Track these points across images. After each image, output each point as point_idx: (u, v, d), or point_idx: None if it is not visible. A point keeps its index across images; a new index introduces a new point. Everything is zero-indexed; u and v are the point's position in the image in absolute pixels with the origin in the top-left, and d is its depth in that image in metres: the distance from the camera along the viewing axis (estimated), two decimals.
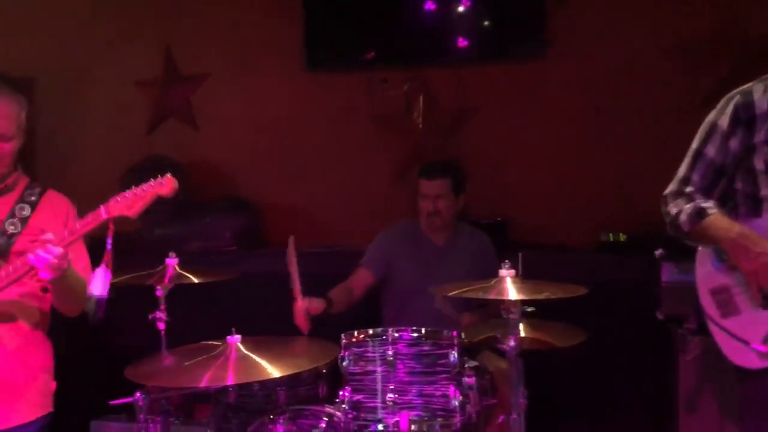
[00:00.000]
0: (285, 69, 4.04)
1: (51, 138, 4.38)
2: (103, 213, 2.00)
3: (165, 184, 2.05)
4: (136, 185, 2.05)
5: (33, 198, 2.24)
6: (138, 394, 2.25)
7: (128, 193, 2.03)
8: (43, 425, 2.25)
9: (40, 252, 1.96)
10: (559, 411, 3.25)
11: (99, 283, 2.00)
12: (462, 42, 3.77)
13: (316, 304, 2.75)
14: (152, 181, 2.06)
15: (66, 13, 4.34)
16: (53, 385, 2.32)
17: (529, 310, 2.28)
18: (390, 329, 2.14)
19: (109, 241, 2.02)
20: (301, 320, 2.69)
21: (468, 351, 2.40)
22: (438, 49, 3.83)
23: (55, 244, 1.98)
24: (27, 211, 2.21)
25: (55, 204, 2.28)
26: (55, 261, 1.97)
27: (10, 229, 2.16)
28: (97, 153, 4.26)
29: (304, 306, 2.69)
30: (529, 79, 3.78)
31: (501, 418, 2.21)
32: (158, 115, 4.24)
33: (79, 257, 2.25)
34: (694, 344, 2.72)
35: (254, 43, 4.09)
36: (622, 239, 3.49)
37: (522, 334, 2.32)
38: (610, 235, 3.51)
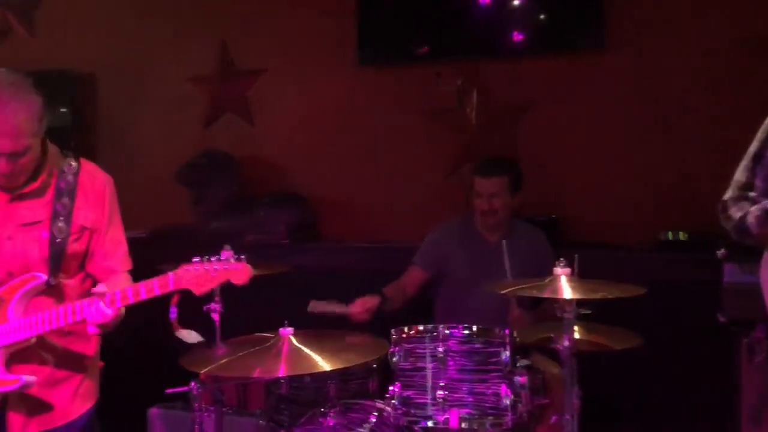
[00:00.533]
0: (338, 64, 4.05)
1: (111, 133, 4.52)
2: (171, 284, 1.88)
3: (240, 272, 1.88)
4: (209, 260, 1.90)
5: (69, 185, 2.09)
6: (193, 384, 2.30)
7: (200, 266, 1.88)
8: (96, 410, 2.27)
9: (93, 310, 1.93)
10: (614, 415, 3.18)
11: (188, 338, 2.07)
12: (517, 35, 3.72)
13: (371, 302, 2.76)
14: (227, 263, 1.90)
15: (126, 11, 4.45)
16: (101, 364, 2.30)
17: (585, 312, 2.24)
18: (441, 326, 2.13)
19: (173, 310, 2.03)
20: (360, 317, 2.73)
21: (520, 350, 2.37)
22: (492, 43, 3.77)
23: (106, 304, 1.93)
24: (68, 207, 2.08)
25: (92, 188, 2.16)
26: (104, 322, 1.94)
27: (59, 234, 2.05)
28: (155, 148, 4.36)
29: (358, 309, 2.71)
30: (585, 73, 3.69)
31: (554, 419, 2.18)
32: (215, 110, 4.32)
33: (117, 243, 2.20)
34: (759, 350, 2.62)
35: (308, 38, 4.11)
36: (682, 238, 3.38)
37: (576, 335, 2.29)
38: (670, 233, 3.41)
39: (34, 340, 2.03)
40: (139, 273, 2.18)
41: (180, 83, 4.34)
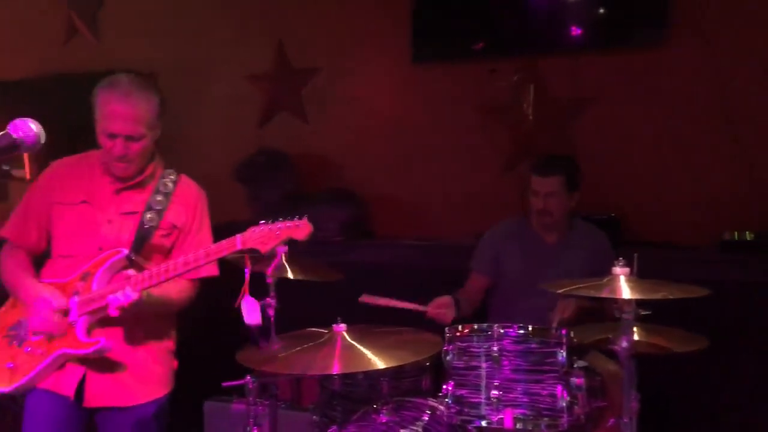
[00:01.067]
0: (392, 61, 4.05)
1: (170, 131, 4.61)
2: (238, 243, 2.06)
3: (301, 228, 2.07)
4: (274, 221, 2.08)
5: (167, 190, 2.35)
6: (248, 378, 2.32)
7: (265, 227, 2.06)
8: (167, 401, 2.42)
9: (118, 294, 2.10)
10: (676, 420, 3.09)
11: (248, 313, 2.13)
12: (575, 30, 3.64)
13: (447, 300, 2.76)
14: (289, 221, 2.07)
15: (185, 11, 4.55)
16: (175, 363, 2.48)
17: (645, 312, 2.18)
18: (496, 325, 2.10)
19: (247, 271, 2.11)
20: (442, 316, 2.72)
21: (576, 351, 2.31)
22: (550, 38, 3.70)
23: (132, 288, 2.11)
24: (162, 204, 2.33)
25: (187, 194, 2.40)
26: (125, 305, 2.10)
27: (148, 222, 2.29)
28: (212, 146, 4.44)
29: (436, 307, 2.70)
30: (647, 68, 3.58)
31: (611, 421, 2.12)
32: (270, 109, 4.37)
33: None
34: None
35: (363, 36, 4.12)
36: (748, 238, 3.25)
37: (636, 337, 2.22)
38: (735, 233, 3.28)
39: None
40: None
41: (237, 82, 4.41)
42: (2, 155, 1.18)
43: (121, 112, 2.21)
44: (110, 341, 2.20)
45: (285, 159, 4.18)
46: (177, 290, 2.34)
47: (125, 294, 2.09)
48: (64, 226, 2.33)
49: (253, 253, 2.06)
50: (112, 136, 2.22)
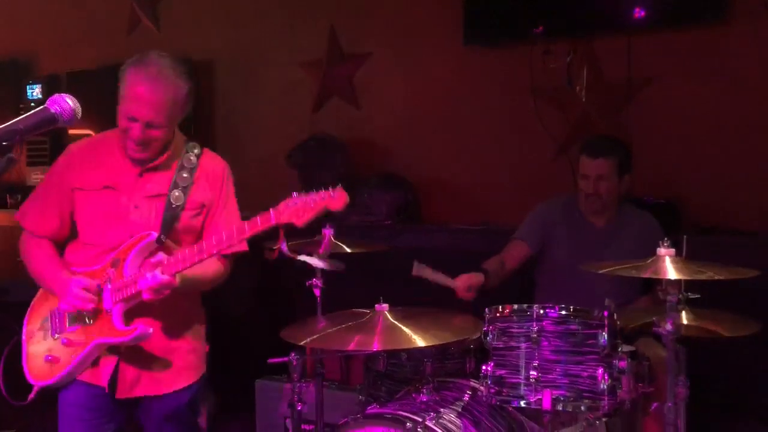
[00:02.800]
0: (444, 45, 4.02)
1: (227, 118, 4.74)
2: (272, 218, 1.97)
3: (336, 199, 1.95)
4: (308, 192, 1.96)
5: (192, 159, 2.26)
6: (292, 354, 2.37)
7: (299, 200, 1.95)
8: (200, 386, 2.40)
9: (148, 276, 2.04)
10: (730, 409, 2.98)
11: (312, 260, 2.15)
12: (632, 8, 3.51)
13: (475, 278, 2.73)
14: (323, 192, 1.96)
15: (241, 0, 4.63)
16: (207, 348, 2.43)
17: (693, 296, 2.11)
18: (536, 306, 2.07)
19: (284, 245, 2.09)
20: (465, 296, 2.71)
21: (626, 337, 2.26)
22: (604, 18, 3.59)
23: (164, 270, 2.04)
24: (187, 182, 2.24)
25: (211, 168, 2.31)
26: (155, 287, 2.04)
27: (175, 201, 2.21)
28: (267, 132, 4.53)
29: (464, 284, 2.68)
30: (707, 46, 3.44)
31: (654, 406, 2.07)
32: (323, 95, 4.42)
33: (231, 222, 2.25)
34: None
35: (414, 20, 4.12)
36: None
37: (684, 321, 2.16)
38: None
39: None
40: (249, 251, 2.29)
41: (291, 69, 4.48)
42: (41, 129, 1.24)
43: (146, 96, 2.10)
44: (148, 328, 2.14)
45: (337, 144, 4.23)
46: (210, 270, 2.26)
47: (155, 276, 2.03)
48: (89, 213, 2.24)
49: (288, 226, 1.97)
50: (133, 119, 2.12)
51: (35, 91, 5.39)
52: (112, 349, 2.22)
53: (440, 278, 2.71)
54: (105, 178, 2.23)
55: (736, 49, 3.39)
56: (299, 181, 4.29)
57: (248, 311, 3.56)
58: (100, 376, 2.23)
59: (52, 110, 1.24)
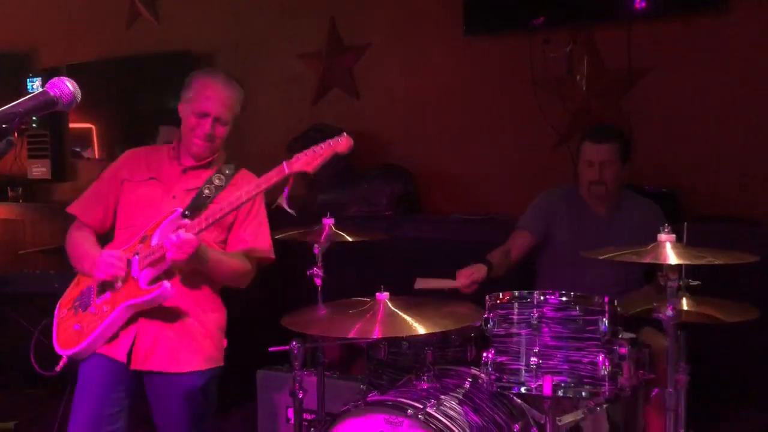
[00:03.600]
0: (444, 35, 4.02)
1: None
2: (285, 168, 2.16)
3: (341, 142, 2.19)
4: (315, 144, 2.19)
5: (228, 172, 2.46)
6: (294, 343, 2.37)
7: (308, 151, 2.17)
8: (214, 376, 2.46)
9: (173, 236, 2.17)
10: (731, 397, 2.99)
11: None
12: None
13: (478, 273, 2.73)
14: (330, 140, 2.19)
15: None
16: (225, 342, 2.52)
17: (694, 283, 2.12)
18: (536, 292, 2.07)
19: (287, 189, 2.19)
20: (469, 291, 2.72)
21: (627, 325, 2.27)
22: (605, 7, 3.60)
23: (187, 230, 2.18)
24: (221, 182, 2.43)
25: (246, 181, 2.45)
26: (179, 243, 2.15)
27: (206, 192, 2.39)
28: (267, 124, 4.52)
29: (466, 282, 2.69)
30: (707, 35, 3.44)
31: (655, 391, 2.07)
32: (323, 86, 4.41)
33: (258, 234, 2.46)
34: None
35: (414, 11, 4.11)
36: None
37: (685, 307, 2.17)
38: None
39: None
40: None
41: (291, 60, 4.47)
42: (40, 113, 1.24)
43: (218, 95, 2.39)
44: (172, 286, 2.25)
45: (337, 135, 4.22)
46: (235, 261, 2.41)
47: (178, 234, 2.15)
48: (131, 200, 2.44)
49: (301, 175, 2.16)
50: (204, 115, 2.37)
51: (35, 84, 5.40)
52: (133, 319, 2.32)
53: (443, 284, 2.72)
54: (152, 172, 2.47)
55: (737, 38, 3.39)
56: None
57: (249, 302, 3.56)
58: (119, 350, 2.32)
59: (52, 93, 1.25)
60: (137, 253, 2.30)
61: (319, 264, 2.73)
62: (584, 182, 2.95)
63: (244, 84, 4.77)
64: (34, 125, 5.41)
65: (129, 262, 2.30)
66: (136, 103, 4.99)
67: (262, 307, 3.58)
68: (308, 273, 2.73)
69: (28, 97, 1.22)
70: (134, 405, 2.42)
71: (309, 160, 2.15)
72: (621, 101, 3.62)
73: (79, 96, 1.27)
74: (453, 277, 2.75)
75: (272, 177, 2.19)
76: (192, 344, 2.38)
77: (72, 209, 2.53)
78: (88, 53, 5.12)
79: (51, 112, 1.25)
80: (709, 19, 3.42)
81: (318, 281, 2.74)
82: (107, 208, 2.48)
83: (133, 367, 2.33)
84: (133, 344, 2.33)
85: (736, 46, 3.39)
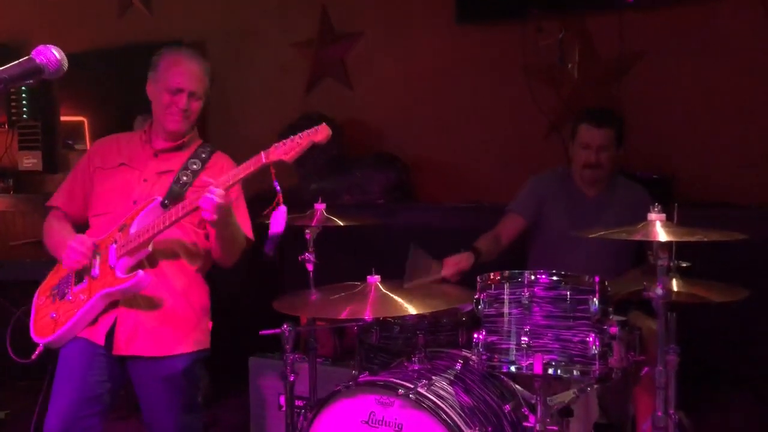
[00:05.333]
0: (436, 23, 4.02)
1: (219, 99, 4.70)
2: (263, 158, 2.13)
3: (319, 132, 2.15)
4: (293, 134, 2.15)
5: (204, 155, 2.44)
6: (285, 326, 2.37)
7: (287, 141, 2.14)
8: (199, 359, 2.43)
9: (206, 194, 2.14)
10: (722, 378, 3.00)
11: (279, 221, 2.16)
12: None
13: (465, 262, 2.72)
14: (308, 130, 2.15)
15: None
16: (210, 324, 2.50)
17: (685, 264, 2.12)
18: (527, 272, 2.07)
19: (276, 182, 2.16)
20: (453, 278, 2.70)
21: (617, 308, 2.27)
22: None
23: (216, 186, 2.16)
24: (198, 166, 2.41)
25: (221, 164, 2.45)
26: (217, 200, 2.12)
27: (183, 178, 2.37)
28: (259, 113, 4.52)
29: (452, 270, 2.68)
30: (699, 22, 3.46)
31: (645, 370, 2.08)
32: (315, 75, 4.41)
33: (241, 216, 2.43)
34: None
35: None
36: None
37: (675, 288, 2.17)
38: None
39: (150, 247, 2.27)
40: None
41: (283, 49, 4.46)
42: (26, 80, 1.23)
43: (189, 69, 2.38)
44: (149, 276, 2.24)
45: (330, 124, 4.20)
46: (240, 234, 2.40)
47: (211, 190, 2.12)
48: (102, 187, 2.43)
49: (279, 163, 2.13)
50: (178, 90, 2.35)
51: None
52: (112, 305, 2.30)
53: (429, 278, 2.69)
54: (122, 158, 2.45)
55: (728, 25, 3.41)
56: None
57: (241, 289, 3.56)
58: (98, 334, 2.30)
59: (38, 61, 1.24)
60: (115, 242, 2.27)
61: (311, 249, 2.73)
62: (578, 164, 2.95)
63: (237, 73, 4.81)
64: (24, 116, 5.38)
65: (96, 248, 2.29)
66: (128, 93, 4.95)
67: (254, 294, 3.57)
68: (300, 258, 2.73)
69: (13, 63, 1.21)
70: (123, 391, 2.40)
71: (287, 149, 2.12)
72: (613, 89, 3.63)
73: (65, 64, 1.26)
74: (440, 263, 2.74)
75: (249, 166, 2.15)
76: (174, 327, 2.36)
77: (54, 202, 2.51)
78: (80, 43, 5.09)
79: (38, 80, 1.24)
80: (701, 6, 3.43)
81: (310, 266, 2.74)
82: (85, 197, 2.47)
83: (115, 352, 2.30)
84: (113, 329, 2.30)
85: (727, 33, 3.41)
